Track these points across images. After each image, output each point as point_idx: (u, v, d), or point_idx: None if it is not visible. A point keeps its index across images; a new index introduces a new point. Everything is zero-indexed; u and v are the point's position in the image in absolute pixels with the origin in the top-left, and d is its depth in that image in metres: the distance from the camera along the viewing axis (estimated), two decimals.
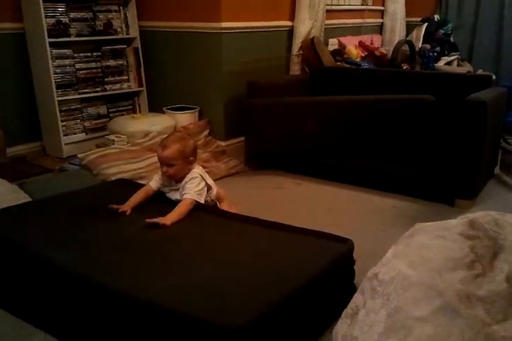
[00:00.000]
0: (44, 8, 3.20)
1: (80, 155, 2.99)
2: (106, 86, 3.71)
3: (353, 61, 4.02)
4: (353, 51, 4.14)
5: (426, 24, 4.55)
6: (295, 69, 3.87)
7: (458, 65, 4.56)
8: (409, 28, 4.91)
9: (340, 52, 4.12)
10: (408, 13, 4.99)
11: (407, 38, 4.56)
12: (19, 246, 1.71)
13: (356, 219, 2.54)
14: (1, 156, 3.20)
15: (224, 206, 2.22)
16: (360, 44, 4.37)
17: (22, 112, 3.49)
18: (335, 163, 3.02)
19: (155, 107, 3.83)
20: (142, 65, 3.82)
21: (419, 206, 2.69)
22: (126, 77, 3.83)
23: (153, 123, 3.44)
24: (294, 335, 1.49)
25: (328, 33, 4.16)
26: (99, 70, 3.67)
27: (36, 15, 3.21)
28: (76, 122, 3.60)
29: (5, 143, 3.25)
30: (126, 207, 1.94)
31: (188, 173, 2.03)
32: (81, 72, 3.55)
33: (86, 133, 3.65)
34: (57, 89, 3.37)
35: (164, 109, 3.66)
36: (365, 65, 3.96)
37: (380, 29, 5.01)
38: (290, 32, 3.82)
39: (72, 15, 3.44)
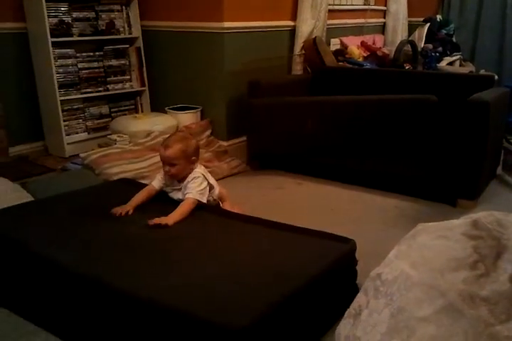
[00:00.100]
0: (46, 7, 3.21)
1: (82, 155, 2.99)
2: (108, 85, 3.72)
3: (355, 61, 4.02)
4: (355, 51, 4.14)
5: (428, 24, 4.54)
6: (297, 69, 3.86)
7: (460, 65, 4.56)
8: (412, 28, 4.90)
9: (342, 52, 4.11)
10: (410, 13, 4.99)
11: (410, 38, 4.54)
12: (21, 246, 1.71)
13: (358, 219, 2.53)
14: (3, 156, 3.21)
15: (226, 206, 2.22)
16: (362, 44, 4.36)
17: (24, 112, 3.49)
18: (336, 163, 3.02)
19: (157, 107, 3.83)
20: (144, 65, 3.82)
21: (422, 206, 2.69)
22: (128, 77, 3.83)
23: (156, 123, 3.44)
24: (295, 335, 1.49)
25: (330, 32, 4.15)
26: (102, 70, 3.67)
27: (39, 15, 3.22)
28: (78, 122, 3.60)
29: (7, 143, 3.26)
30: (129, 206, 1.95)
31: (190, 173, 2.03)
32: (83, 71, 3.55)
33: (88, 133, 3.65)
34: (59, 88, 3.37)
35: (166, 108, 3.66)
36: (367, 65, 3.96)
37: (382, 29, 5.01)
38: (292, 32, 3.82)
39: (74, 14, 3.44)
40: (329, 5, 4.02)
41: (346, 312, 1.31)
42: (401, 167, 2.84)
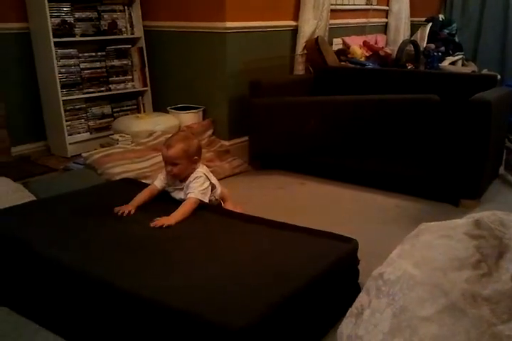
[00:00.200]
0: (49, 7, 3.21)
1: (84, 155, 2.99)
2: (110, 85, 3.72)
3: (358, 61, 4.02)
4: (358, 51, 4.13)
5: (430, 24, 4.54)
6: (299, 68, 3.86)
7: (462, 65, 4.55)
8: (414, 27, 4.89)
9: (344, 52, 4.11)
10: (412, 13, 4.98)
11: (412, 38, 4.54)
12: (23, 245, 1.71)
13: (360, 218, 2.53)
14: (5, 156, 3.21)
15: (228, 205, 2.23)
16: (365, 44, 4.36)
17: (27, 112, 3.50)
18: (338, 162, 3.02)
19: (159, 107, 3.84)
20: (146, 65, 3.82)
21: (423, 206, 2.69)
22: (130, 77, 3.84)
23: (158, 123, 3.44)
24: (296, 335, 1.49)
25: (333, 32, 4.15)
26: (104, 70, 3.67)
27: (41, 15, 3.22)
28: (80, 122, 3.60)
29: (10, 143, 3.26)
30: (131, 206, 1.95)
31: (192, 172, 2.03)
32: (86, 71, 3.56)
33: (90, 133, 3.65)
34: (61, 88, 3.37)
35: (168, 108, 3.66)
36: (370, 65, 3.96)
37: (384, 29, 5.00)
38: (294, 32, 3.82)
39: (77, 15, 3.45)
40: (331, 5, 4.02)
41: (348, 311, 1.31)
42: (403, 166, 2.83)
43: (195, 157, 2.04)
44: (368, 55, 4.24)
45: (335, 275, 1.62)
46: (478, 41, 4.85)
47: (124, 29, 3.72)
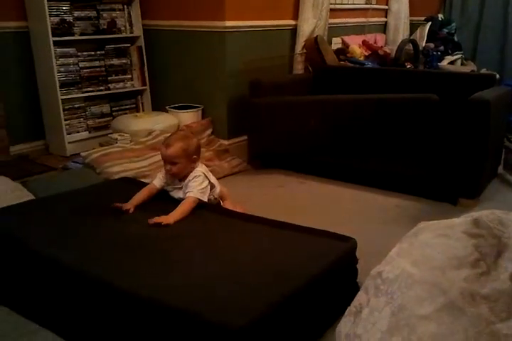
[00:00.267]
0: (48, 6, 3.21)
1: (83, 154, 2.99)
2: (109, 85, 3.72)
3: (357, 60, 4.02)
4: (357, 50, 4.13)
5: (429, 23, 4.54)
6: (298, 68, 3.86)
7: (461, 64, 4.55)
8: (413, 27, 4.89)
9: (343, 51, 4.11)
10: (412, 12, 4.98)
11: (411, 37, 4.54)
12: (22, 244, 1.71)
13: (359, 218, 2.53)
14: (4, 155, 3.21)
15: (227, 204, 2.22)
16: (364, 43, 4.36)
17: (25, 111, 3.50)
18: (338, 162, 3.02)
19: (158, 106, 3.83)
20: (146, 64, 3.82)
21: (423, 205, 2.69)
22: (129, 76, 3.83)
23: (157, 122, 3.44)
24: (296, 334, 1.49)
25: (332, 31, 4.15)
26: (103, 69, 3.67)
27: (40, 14, 3.22)
28: (79, 121, 3.60)
29: (8, 142, 3.26)
30: (130, 205, 1.95)
31: (191, 172, 2.03)
32: (85, 70, 3.55)
33: (89, 132, 3.65)
34: (60, 87, 3.37)
35: (167, 107, 3.66)
36: (369, 64, 3.96)
37: (383, 28, 5.00)
38: (293, 31, 3.81)
39: (76, 14, 3.44)
40: (331, 4, 4.01)
41: (347, 310, 1.31)
42: (402, 166, 2.84)
43: (195, 156, 2.04)
44: (367, 54, 4.24)
45: (334, 275, 1.62)
46: (477, 41, 4.85)
47: (123, 28, 3.72)
